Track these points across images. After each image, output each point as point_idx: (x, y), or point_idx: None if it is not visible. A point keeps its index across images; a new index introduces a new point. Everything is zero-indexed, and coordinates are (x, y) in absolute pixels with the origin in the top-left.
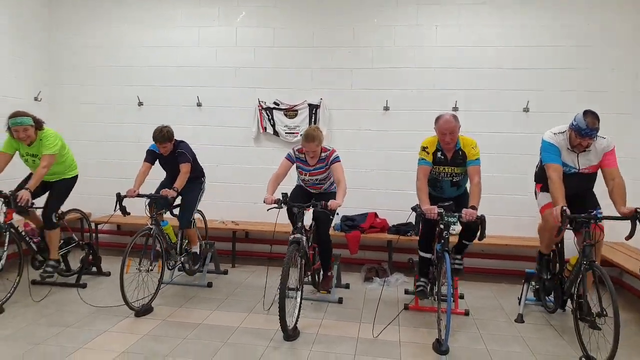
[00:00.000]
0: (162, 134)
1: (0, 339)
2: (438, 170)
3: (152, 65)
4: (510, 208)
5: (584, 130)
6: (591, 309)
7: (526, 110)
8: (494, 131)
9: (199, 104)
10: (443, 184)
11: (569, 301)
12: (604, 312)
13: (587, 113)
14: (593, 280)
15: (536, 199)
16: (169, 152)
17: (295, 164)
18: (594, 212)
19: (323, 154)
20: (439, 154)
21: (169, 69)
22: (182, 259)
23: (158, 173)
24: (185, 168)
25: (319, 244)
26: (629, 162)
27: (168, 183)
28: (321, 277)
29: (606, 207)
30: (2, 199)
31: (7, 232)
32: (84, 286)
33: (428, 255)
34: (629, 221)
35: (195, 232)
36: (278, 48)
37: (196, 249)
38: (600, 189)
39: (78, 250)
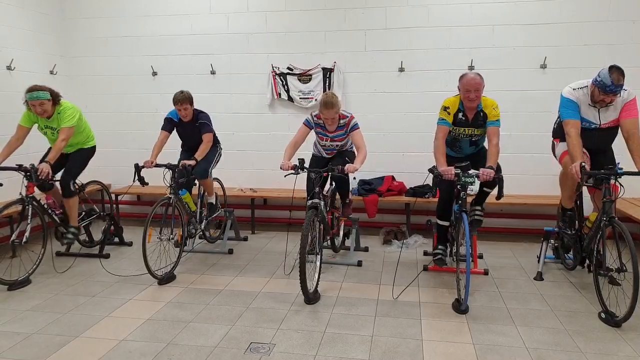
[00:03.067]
0: (183, 94)
1: (29, 309)
2: (458, 131)
3: (164, 35)
4: (528, 167)
5: (609, 87)
6: (610, 265)
7: (543, 66)
8: (511, 89)
9: (212, 72)
10: (462, 143)
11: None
12: (624, 268)
13: (612, 69)
14: (611, 236)
15: (554, 153)
16: (189, 118)
17: (314, 130)
18: (614, 167)
19: (342, 121)
20: (460, 114)
21: (181, 37)
22: (202, 226)
23: (175, 143)
24: (207, 138)
25: (338, 189)
26: None
27: (187, 152)
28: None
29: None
30: (23, 173)
31: (30, 205)
32: (107, 256)
33: (446, 224)
34: None
35: (211, 182)
36: (290, 12)
37: (212, 199)
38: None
39: (99, 222)
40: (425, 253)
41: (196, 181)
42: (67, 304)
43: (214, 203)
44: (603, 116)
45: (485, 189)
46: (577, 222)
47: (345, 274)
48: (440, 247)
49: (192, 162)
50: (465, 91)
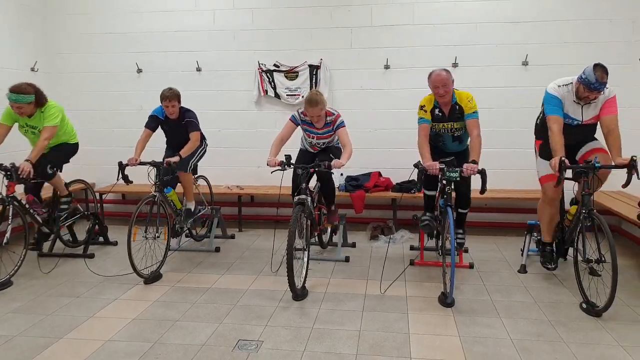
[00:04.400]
0: (172, 91)
1: (11, 311)
2: (438, 127)
3: (149, 31)
4: (511, 162)
5: (593, 84)
6: (589, 256)
7: (525, 63)
8: (494, 85)
9: (198, 69)
10: (445, 138)
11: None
12: (603, 259)
13: (597, 67)
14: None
15: (535, 160)
16: (176, 116)
17: (301, 127)
18: (592, 161)
19: (328, 118)
20: (436, 111)
21: (167, 34)
22: (189, 225)
23: (159, 140)
24: (195, 137)
25: (322, 188)
26: (631, 111)
27: (171, 150)
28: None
29: None
30: (4, 172)
31: (10, 205)
32: (91, 256)
33: (432, 193)
34: (625, 170)
35: (190, 182)
36: (276, 9)
37: (191, 205)
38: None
39: (84, 221)
40: (412, 248)
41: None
42: (51, 305)
43: (192, 210)
44: (586, 113)
45: (460, 210)
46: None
47: (333, 270)
48: (428, 214)
49: (176, 159)
50: (434, 87)
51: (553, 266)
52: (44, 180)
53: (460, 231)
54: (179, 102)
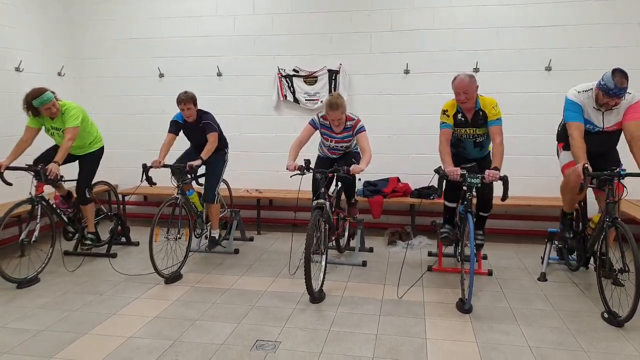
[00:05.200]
0: (187, 94)
1: (38, 307)
2: (460, 132)
3: (171, 37)
4: (533, 169)
5: (612, 90)
6: (613, 265)
7: (548, 69)
8: (516, 91)
9: (219, 74)
10: (466, 144)
11: (591, 259)
12: (627, 268)
13: (615, 72)
14: (615, 237)
15: (558, 158)
16: (194, 119)
17: (320, 130)
18: (617, 169)
19: (349, 123)
20: (459, 115)
21: (188, 39)
22: (208, 227)
23: (182, 144)
24: (212, 138)
25: (345, 191)
26: None
27: (192, 153)
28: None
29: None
30: (33, 173)
31: (39, 205)
32: (114, 256)
33: (453, 205)
34: None
35: (217, 211)
36: (296, 14)
37: (215, 234)
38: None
39: (107, 222)
40: (430, 254)
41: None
42: (75, 302)
43: (217, 238)
44: (607, 119)
45: (481, 213)
46: (580, 223)
47: (350, 274)
48: (447, 225)
49: (198, 162)
50: (456, 94)
51: (570, 235)
52: (83, 205)
53: (480, 232)
54: (195, 104)
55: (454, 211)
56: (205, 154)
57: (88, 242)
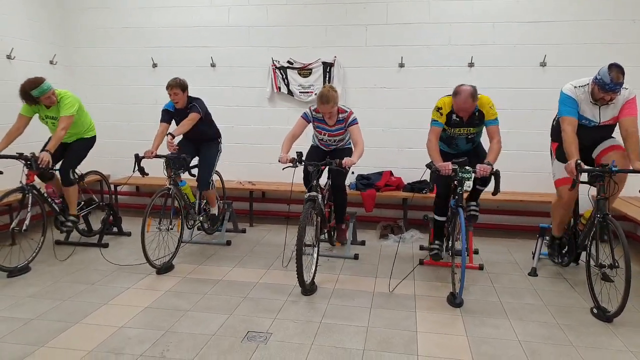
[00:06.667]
0: (176, 80)
1: (28, 296)
2: (453, 131)
3: (165, 26)
4: (526, 164)
5: (608, 85)
6: (603, 261)
7: (543, 64)
8: (510, 86)
9: (212, 65)
10: (458, 141)
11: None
12: (616, 264)
13: (612, 67)
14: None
15: (551, 162)
16: (181, 105)
17: (312, 124)
18: (609, 165)
19: (341, 115)
20: (454, 115)
21: (182, 29)
22: (201, 218)
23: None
24: (192, 116)
25: (334, 195)
26: None
27: (185, 144)
28: (336, 233)
29: None
30: (24, 162)
31: (30, 194)
32: (105, 246)
33: (443, 219)
34: None
35: (214, 194)
36: (291, 5)
37: (215, 210)
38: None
39: (98, 212)
40: (422, 247)
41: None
42: (67, 291)
43: (216, 214)
44: (603, 114)
45: (478, 186)
46: (572, 219)
47: (342, 267)
48: (437, 242)
49: (178, 139)
50: (457, 109)
51: (559, 260)
52: (65, 186)
53: (474, 203)
54: (183, 91)
55: (443, 225)
56: (181, 130)
57: (69, 224)
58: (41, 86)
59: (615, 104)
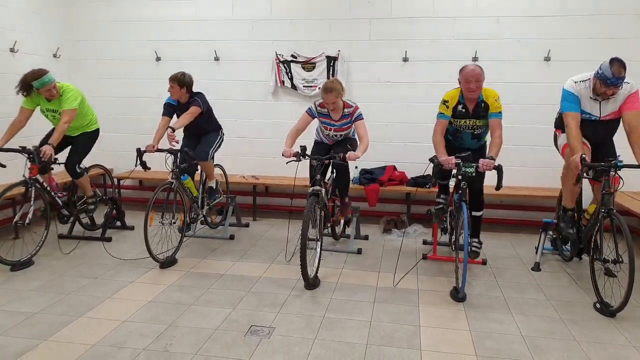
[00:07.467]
0: (176, 74)
1: (32, 289)
2: (459, 123)
3: (169, 20)
4: (528, 159)
5: (610, 80)
6: (606, 256)
7: (547, 59)
8: (514, 81)
9: (216, 59)
10: (464, 135)
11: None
12: (620, 259)
13: (613, 61)
14: (608, 228)
15: (556, 144)
16: (177, 97)
17: (317, 119)
18: (615, 160)
19: (347, 110)
20: (460, 107)
21: (186, 23)
22: (204, 212)
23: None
24: (192, 109)
25: (337, 181)
26: None
27: (188, 138)
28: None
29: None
30: (26, 155)
31: (33, 187)
32: (109, 240)
33: (445, 182)
34: None
35: (211, 166)
36: None
37: (212, 183)
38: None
39: (102, 205)
40: (425, 242)
41: (198, 167)
42: (70, 285)
43: (214, 187)
44: (604, 109)
45: (474, 213)
46: (575, 214)
47: (345, 261)
48: (442, 195)
49: (177, 128)
50: (466, 82)
51: (573, 231)
52: (75, 179)
53: (476, 240)
54: (180, 85)
55: (447, 186)
56: (179, 122)
57: (92, 206)
58: (42, 78)
59: (616, 99)
